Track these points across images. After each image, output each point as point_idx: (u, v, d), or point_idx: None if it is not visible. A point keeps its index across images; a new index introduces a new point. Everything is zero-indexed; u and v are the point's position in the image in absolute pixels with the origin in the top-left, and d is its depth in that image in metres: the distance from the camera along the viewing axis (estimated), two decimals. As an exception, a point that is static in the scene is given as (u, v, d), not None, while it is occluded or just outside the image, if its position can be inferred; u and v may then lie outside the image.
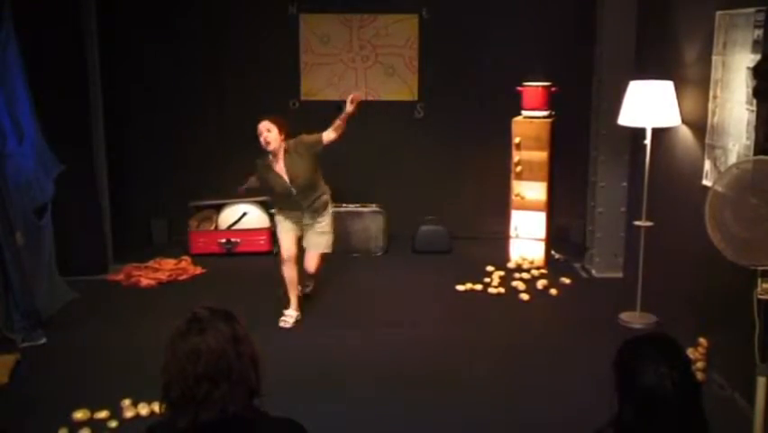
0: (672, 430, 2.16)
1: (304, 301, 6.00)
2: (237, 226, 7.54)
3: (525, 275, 6.78)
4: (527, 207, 7.12)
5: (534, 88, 7.00)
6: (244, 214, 7.54)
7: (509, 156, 7.12)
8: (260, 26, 7.72)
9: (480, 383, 4.80)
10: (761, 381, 3.72)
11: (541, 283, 6.57)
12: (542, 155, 7.01)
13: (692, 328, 5.01)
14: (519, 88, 7.03)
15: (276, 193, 5.69)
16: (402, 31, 7.81)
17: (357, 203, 7.53)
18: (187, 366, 2.01)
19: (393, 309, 6.10)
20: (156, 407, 4.22)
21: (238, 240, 7.50)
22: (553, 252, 7.31)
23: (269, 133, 5.49)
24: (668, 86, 5.50)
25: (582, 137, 7.08)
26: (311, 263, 5.87)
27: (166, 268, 7.00)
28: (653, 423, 2.16)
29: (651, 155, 5.62)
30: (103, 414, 4.35)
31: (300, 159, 5.55)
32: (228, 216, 7.60)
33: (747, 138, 4.43)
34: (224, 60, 7.77)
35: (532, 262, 7.04)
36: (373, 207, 7.60)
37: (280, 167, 5.57)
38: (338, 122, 5.53)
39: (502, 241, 7.28)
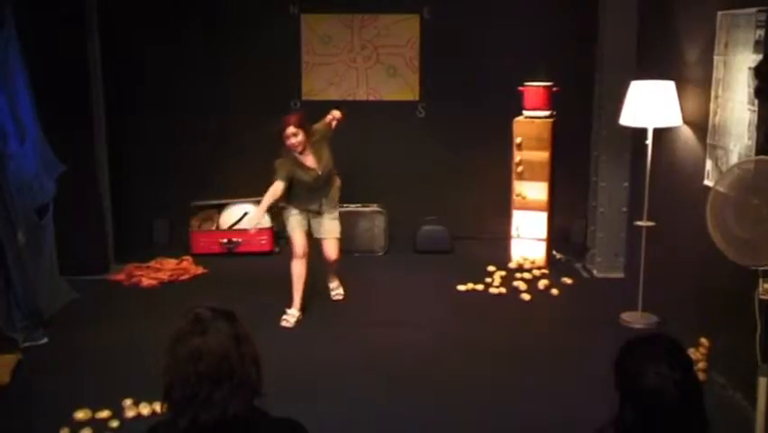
0: (673, 431, 2.16)
1: (306, 302, 5.99)
2: (239, 226, 7.54)
3: (526, 275, 6.78)
4: (529, 206, 7.12)
5: (535, 88, 7.00)
6: (245, 214, 7.54)
7: (510, 156, 7.12)
8: (261, 26, 7.71)
9: (481, 383, 4.80)
10: (762, 381, 3.72)
11: (542, 283, 6.57)
12: (543, 155, 7.01)
13: (693, 328, 5.01)
14: (520, 88, 7.03)
15: (303, 186, 5.78)
16: (403, 31, 7.81)
17: (358, 203, 7.53)
18: (188, 367, 2.01)
19: (394, 309, 6.10)
20: (157, 407, 4.22)
21: (239, 240, 7.50)
22: (554, 252, 7.30)
23: (296, 137, 5.66)
24: (669, 86, 5.50)
25: (584, 137, 7.07)
26: (332, 250, 6.01)
27: (167, 268, 7.00)
28: (654, 423, 2.15)
29: (652, 155, 5.62)
30: (104, 414, 4.36)
31: (321, 147, 5.83)
32: (229, 216, 7.61)
33: (749, 138, 4.43)
34: (226, 60, 7.76)
35: (533, 262, 7.04)
36: (374, 207, 7.60)
37: (310, 160, 5.78)
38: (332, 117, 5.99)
39: (503, 241, 7.28)
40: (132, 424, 4.28)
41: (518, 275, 6.77)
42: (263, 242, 7.51)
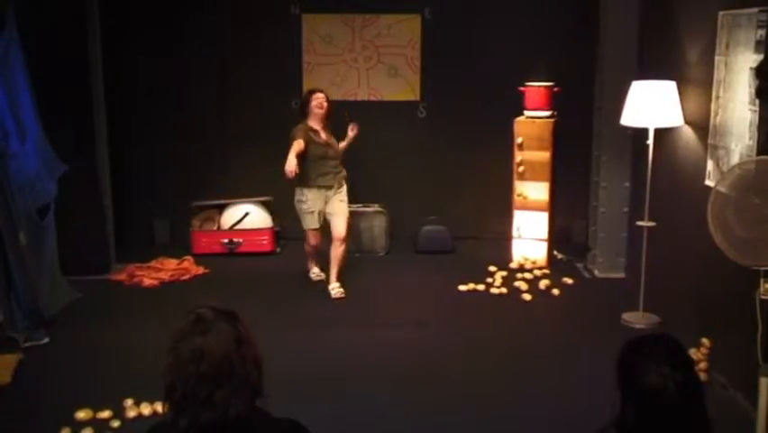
0: (675, 431, 2.16)
1: (308, 301, 6.00)
2: (239, 226, 7.55)
3: (527, 275, 6.78)
4: (530, 207, 7.12)
5: (536, 88, 7.00)
6: (247, 214, 7.54)
7: (512, 156, 7.12)
8: (262, 26, 7.72)
9: (482, 383, 4.80)
10: (763, 381, 3.72)
11: (543, 283, 6.57)
12: (544, 155, 7.01)
13: (695, 329, 5.01)
14: (522, 88, 7.03)
15: (314, 157, 6.26)
16: (404, 31, 7.81)
17: (359, 203, 7.53)
18: (189, 367, 2.00)
19: (395, 309, 6.10)
20: (158, 407, 4.20)
21: (240, 240, 7.50)
22: (555, 252, 7.30)
23: (326, 103, 6.46)
24: (671, 86, 5.50)
25: (585, 137, 7.07)
26: (341, 226, 6.37)
27: (168, 268, 7.00)
28: (655, 424, 2.15)
29: (653, 155, 5.62)
30: (105, 414, 4.36)
31: (332, 137, 6.50)
32: (230, 216, 7.60)
33: (750, 138, 4.42)
34: (227, 60, 7.77)
35: (534, 263, 7.04)
36: (376, 207, 7.60)
37: (324, 133, 6.41)
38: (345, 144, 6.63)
39: (505, 241, 7.28)
40: (133, 424, 4.28)
41: (519, 275, 6.77)
42: (264, 242, 7.51)
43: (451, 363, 5.10)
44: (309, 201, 6.31)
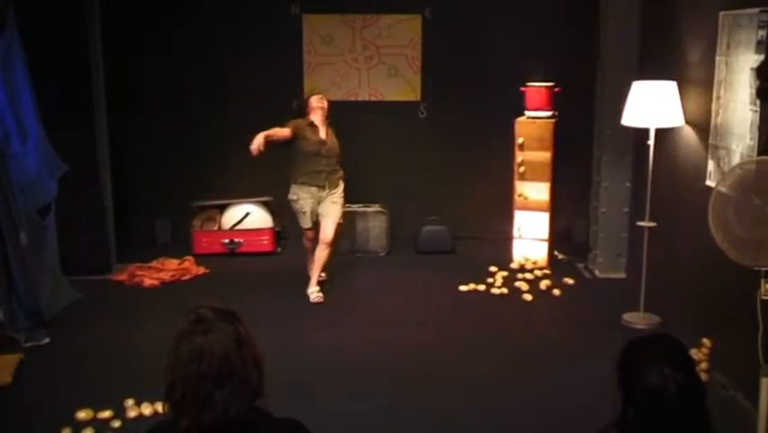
0: (676, 431, 2.16)
1: (308, 302, 5.99)
2: (240, 226, 7.55)
3: (528, 275, 6.78)
4: (530, 207, 7.12)
5: (537, 89, 7.00)
6: (247, 214, 7.55)
7: (512, 156, 7.12)
8: (262, 26, 7.72)
9: (483, 384, 4.80)
10: (764, 381, 3.72)
11: (544, 284, 6.57)
12: (545, 155, 7.01)
13: (695, 329, 5.01)
14: (522, 89, 7.03)
15: (306, 153, 6.17)
16: (405, 31, 7.81)
17: (360, 203, 7.53)
18: (189, 368, 2.00)
19: (396, 309, 6.10)
20: (159, 407, 4.20)
21: (241, 240, 7.50)
22: (556, 252, 7.30)
23: (323, 103, 6.36)
24: (671, 86, 5.50)
25: (585, 137, 7.07)
26: (329, 230, 6.23)
27: (169, 268, 7.00)
28: (656, 424, 2.15)
29: (654, 156, 5.62)
30: (106, 414, 4.36)
31: (333, 136, 6.35)
32: (231, 216, 7.60)
33: (751, 139, 4.42)
34: (227, 60, 7.77)
35: (535, 263, 7.04)
36: (376, 208, 7.60)
37: (321, 130, 6.27)
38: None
39: (505, 241, 7.28)
40: (133, 424, 4.28)
41: (520, 275, 6.77)
42: (265, 242, 7.51)
43: (451, 364, 5.10)
44: (300, 200, 6.22)
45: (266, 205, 7.60)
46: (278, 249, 7.58)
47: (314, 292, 6.19)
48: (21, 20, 5.69)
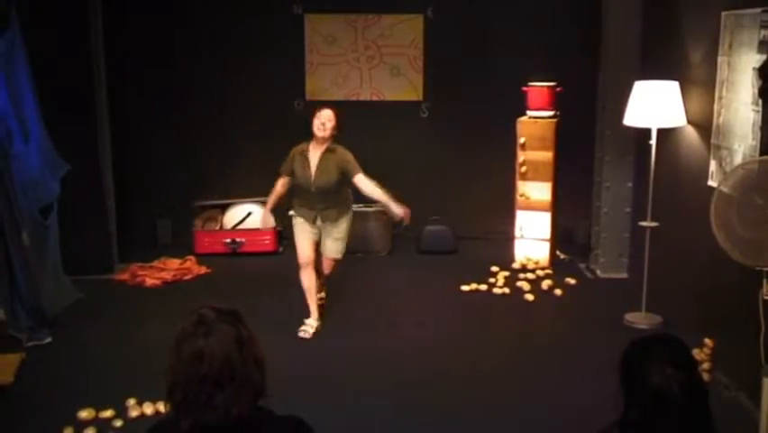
0: (678, 431, 2.16)
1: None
2: (242, 226, 7.55)
3: (529, 275, 6.77)
4: (532, 207, 7.12)
5: (539, 89, 7.00)
6: (249, 213, 7.55)
7: (514, 156, 7.12)
8: (264, 26, 7.71)
9: (485, 384, 4.80)
10: (766, 381, 3.72)
11: (546, 284, 6.56)
12: (547, 155, 7.01)
13: (698, 329, 5.00)
14: (524, 89, 7.03)
15: (298, 183, 5.61)
16: (407, 31, 7.81)
17: (362, 203, 7.51)
18: (190, 370, 2.00)
19: (397, 310, 6.10)
20: (161, 406, 4.23)
21: (243, 240, 7.50)
22: (557, 252, 7.30)
23: (330, 123, 5.52)
24: (673, 86, 5.50)
25: (587, 137, 7.07)
26: (325, 266, 5.87)
27: (171, 268, 7.01)
28: (658, 424, 2.15)
29: (656, 156, 5.62)
30: (108, 413, 4.36)
31: (330, 166, 5.54)
32: (233, 215, 7.61)
33: (753, 138, 4.42)
34: (229, 60, 7.77)
35: (537, 263, 7.03)
36: (378, 207, 7.59)
37: (314, 161, 5.55)
38: (383, 201, 5.79)
39: (507, 241, 7.28)
40: (135, 423, 4.28)
41: (522, 275, 6.77)
42: (267, 242, 7.51)
43: (453, 363, 5.10)
44: (297, 225, 5.73)
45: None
46: (280, 249, 7.58)
47: (306, 326, 5.60)
48: (23, 20, 5.69)
